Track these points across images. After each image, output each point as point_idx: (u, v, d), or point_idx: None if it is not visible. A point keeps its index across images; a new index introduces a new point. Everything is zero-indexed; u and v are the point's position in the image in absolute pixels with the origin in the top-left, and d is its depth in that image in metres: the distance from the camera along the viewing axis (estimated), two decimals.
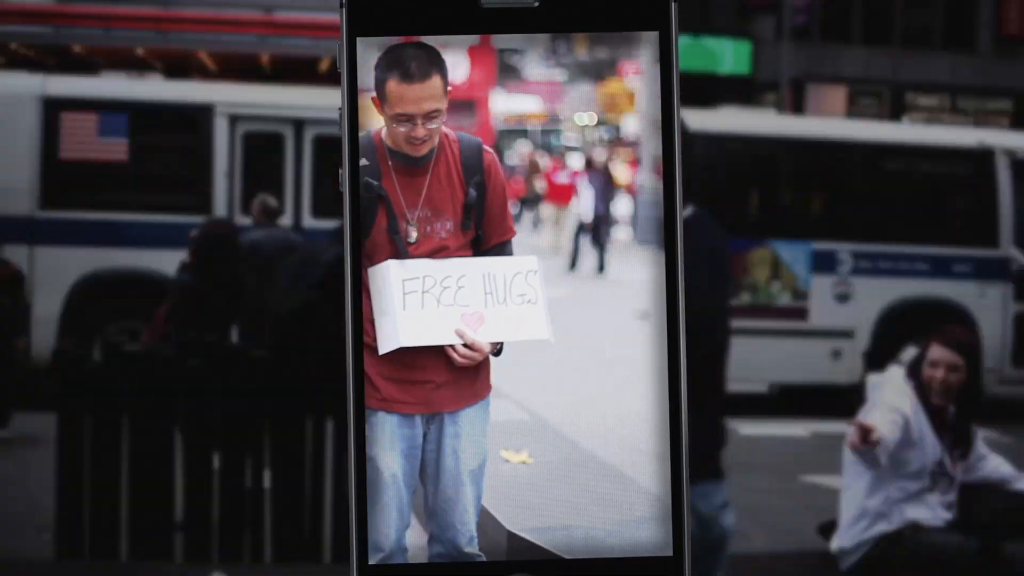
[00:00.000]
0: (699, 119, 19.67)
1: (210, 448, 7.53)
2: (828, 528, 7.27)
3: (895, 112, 32.91)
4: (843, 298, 16.82)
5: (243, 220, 14.51)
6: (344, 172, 1.44)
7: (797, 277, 16.85)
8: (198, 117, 15.66)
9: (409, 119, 1.60)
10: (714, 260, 6.13)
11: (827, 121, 25.67)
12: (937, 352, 6.72)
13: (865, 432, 6.37)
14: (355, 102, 1.45)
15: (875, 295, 16.84)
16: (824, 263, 16.81)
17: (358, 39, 1.44)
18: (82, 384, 7.53)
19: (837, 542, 6.94)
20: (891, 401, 6.63)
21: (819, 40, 33.64)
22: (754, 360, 16.25)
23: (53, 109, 15.25)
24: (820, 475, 12.08)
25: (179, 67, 19.81)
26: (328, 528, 7.57)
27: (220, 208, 15.19)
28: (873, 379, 7.00)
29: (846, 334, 16.55)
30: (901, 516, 6.70)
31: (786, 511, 11.13)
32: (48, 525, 7.94)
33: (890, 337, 16.05)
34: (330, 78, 20.27)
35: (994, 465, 7.02)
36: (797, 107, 32.28)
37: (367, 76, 1.47)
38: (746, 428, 15.58)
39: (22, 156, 15.16)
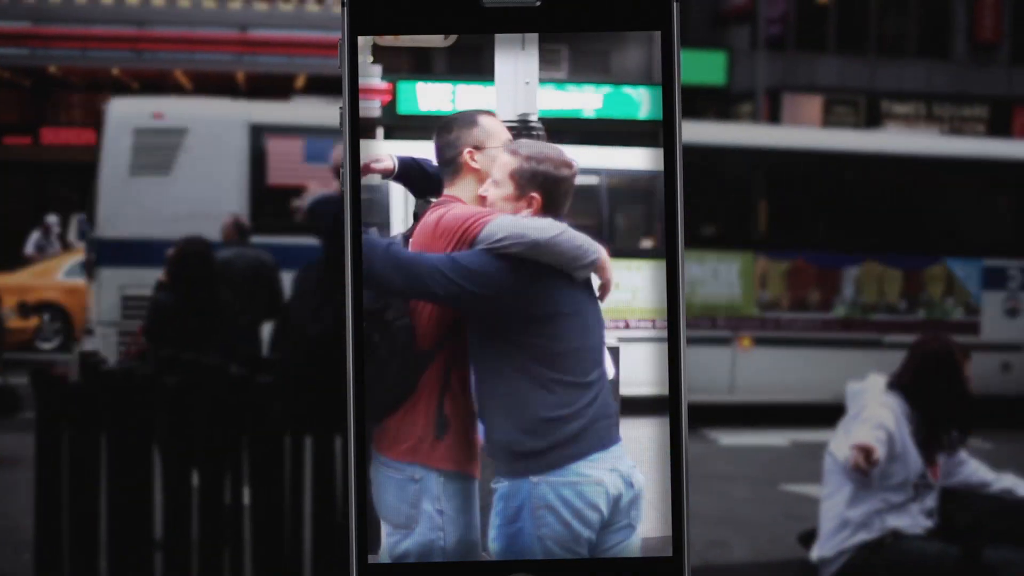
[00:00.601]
0: (868, 140, 20.20)
1: (189, 466, 7.51)
2: (808, 537, 7.26)
3: (871, 120, 33.01)
4: (1013, 313, 17.33)
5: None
6: (344, 172, 1.43)
7: (969, 293, 17.32)
8: None
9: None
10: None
11: (991, 141, 26.49)
12: (968, 366, 6.89)
13: (867, 453, 6.42)
14: (355, 102, 1.43)
15: None
16: (994, 279, 17.33)
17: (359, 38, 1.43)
18: (60, 403, 7.50)
19: (818, 551, 6.93)
20: (874, 416, 6.62)
21: (794, 50, 33.72)
22: None
23: (259, 135, 15.34)
24: (800, 484, 12.11)
25: (155, 86, 19.78)
26: (308, 544, 7.55)
27: None
28: (852, 387, 6.96)
29: (1016, 348, 16.98)
30: (882, 525, 6.70)
31: (766, 520, 11.14)
32: (27, 544, 7.92)
33: None
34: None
35: (973, 469, 7.05)
36: (773, 117, 32.37)
37: (366, 76, 1.45)
38: (726, 438, 15.62)
39: (231, 182, 15.30)
